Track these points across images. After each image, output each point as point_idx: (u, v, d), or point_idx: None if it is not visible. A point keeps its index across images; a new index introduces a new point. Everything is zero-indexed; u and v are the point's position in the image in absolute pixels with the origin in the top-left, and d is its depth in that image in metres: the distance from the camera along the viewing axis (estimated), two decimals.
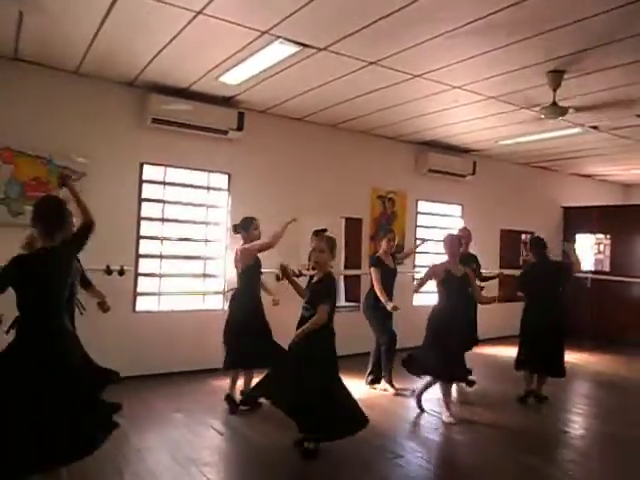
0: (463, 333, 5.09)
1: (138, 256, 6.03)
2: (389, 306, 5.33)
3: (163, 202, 6.27)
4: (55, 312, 2.99)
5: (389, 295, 5.73)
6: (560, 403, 5.72)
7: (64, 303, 3.07)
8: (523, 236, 9.78)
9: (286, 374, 3.94)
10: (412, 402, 5.56)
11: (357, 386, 5.62)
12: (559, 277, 5.52)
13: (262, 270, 5.22)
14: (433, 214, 8.80)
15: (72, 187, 3.30)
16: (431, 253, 8.29)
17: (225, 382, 5.17)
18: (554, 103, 5.13)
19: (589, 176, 11.00)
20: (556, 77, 4.90)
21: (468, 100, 5.88)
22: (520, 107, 6.04)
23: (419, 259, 8.52)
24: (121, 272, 5.51)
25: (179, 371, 5.98)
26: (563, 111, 5.21)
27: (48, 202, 3.20)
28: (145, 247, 6.13)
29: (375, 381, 5.89)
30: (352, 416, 3.94)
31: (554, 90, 5.03)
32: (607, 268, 10.08)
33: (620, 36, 4.05)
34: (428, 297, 8.33)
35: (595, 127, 6.67)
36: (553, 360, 5.40)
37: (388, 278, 5.79)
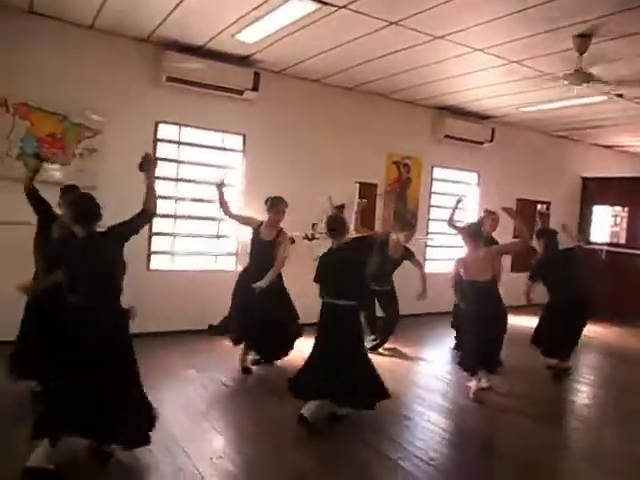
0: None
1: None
2: None
3: (178, 162, 6.26)
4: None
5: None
6: (569, 373, 5.76)
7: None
8: (538, 206, 9.64)
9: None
10: (421, 367, 5.65)
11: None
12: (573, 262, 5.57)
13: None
14: (448, 181, 8.71)
15: (150, 175, 3.35)
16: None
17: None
18: (579, 69, 4.97)
19: (610, 147, 10.76)
20: (583, 42, 4.73)
21: (490, 64, 5.72)
22: (543, 72, 5.87)
23: (432, 226, 8.48)
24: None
25: (191, 329, 6.08)
26: (588, 77, 5.04)
27: (85, 200, 3.21)
28: (159, 206, 6.12)
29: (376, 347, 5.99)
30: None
31: (580, 55, 4.87)
32: (623, 240, 9.97)
33: None
34: (435, 264, 8.38)
35: (620, 95, 6.47)
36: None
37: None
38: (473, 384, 4.78)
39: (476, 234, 4.93)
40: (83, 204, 3.16)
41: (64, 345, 3.07)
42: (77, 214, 3.10)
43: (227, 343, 5.62)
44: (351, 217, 5.29)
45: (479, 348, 4.67)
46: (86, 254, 3.07)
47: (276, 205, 4.94)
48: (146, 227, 5.74)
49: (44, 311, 3.77)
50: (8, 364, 3.95)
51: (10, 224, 4.67)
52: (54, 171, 5.28)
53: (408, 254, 5.97)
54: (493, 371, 4.82)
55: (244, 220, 5.22)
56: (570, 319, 5.40)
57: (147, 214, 3.30)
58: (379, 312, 6.12)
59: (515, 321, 6.41)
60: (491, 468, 3.56)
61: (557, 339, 5.46)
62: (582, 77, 5.02)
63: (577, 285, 5.48)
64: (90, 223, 3.11)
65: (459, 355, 5.25)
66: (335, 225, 4.05)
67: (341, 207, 5.64)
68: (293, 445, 3.61)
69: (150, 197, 3.29)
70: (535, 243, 5.59)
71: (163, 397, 4.25)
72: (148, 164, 3.32)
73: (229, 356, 5.33)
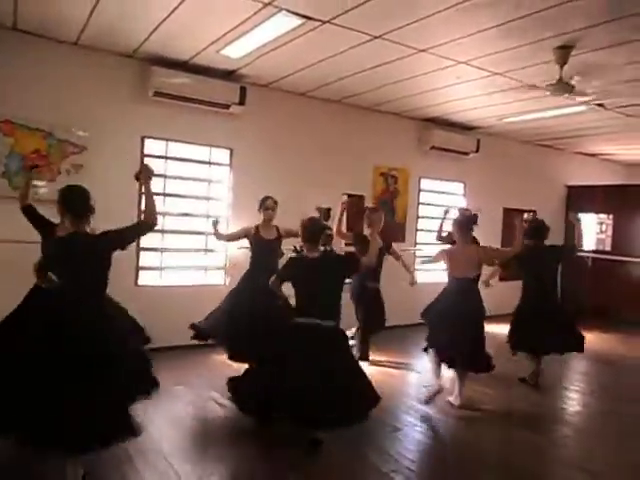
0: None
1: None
2: None
3: (165, 177, 6.24)
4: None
5: (372, 276, 5.78)
6: (558, 380, 5.79)
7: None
8: (525, 215, 9.73)
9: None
10: (410, 378, 5.64)
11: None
12: (556, 260, 5.54)
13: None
14: (436, 192, 8.77)
15: (148, 185, 3.33)
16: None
17: (224, 357, 5.20)
18: (561, 80, 5.06)
19: (594, 155, 10.92)
20: (564, 53, 4.82)
21: (474, 76, 5.80)
22: (526, 84, 5.96)
23: (420, 237, 8.54)
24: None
25: (181, 345, 6.02)
26: (569, 88, 5.13)
27: (75, 190, 3.28)
28: None
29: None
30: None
31: (561, 67, 4.96)
32: (609, 248, 10.08)
33: (630, 12, 3.97)
34: (429, 275, 8.42)
35: (601, 105, 6.59)
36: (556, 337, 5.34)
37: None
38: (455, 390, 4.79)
39: (466, 225, 4.85)
40: (72, 195, 3.21)
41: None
42: (65, 205, 3.19)
43: (216, 359, 5.59)
44: (334, 220, 5.37)
45: (461, 346, 4.61)
46: (71, 252, 3.09)
47: (263, 204, 5.21)
48: (134, 242, 5.80)
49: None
50: None
51: None
52: (40, 188, 5.23)
53: (387, 246, 5.94)
54: (488, 370, 4.75)
55: (239, 234, 5.36)
56: (549, 317, 5.28)
57: (145, 225, 3.27)
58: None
59: (496, 330, 6.48)
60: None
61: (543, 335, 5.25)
62: (564, 88, 5.11)
63: (552, 283, 5.47)
64: (80, 215, 3.14)
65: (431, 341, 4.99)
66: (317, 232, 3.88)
67: (328, 210, 5.62)
68: (284, 461, 3.57)
69: (151, 208, 3.26)
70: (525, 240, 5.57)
71: (152, 414, 4.20)
72: (146, 173, 3.35)
73: (218, 372, 5.29)
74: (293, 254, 4.00)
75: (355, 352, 5.82)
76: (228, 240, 5.52)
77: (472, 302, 4.74)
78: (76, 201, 3.18)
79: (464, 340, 4.56)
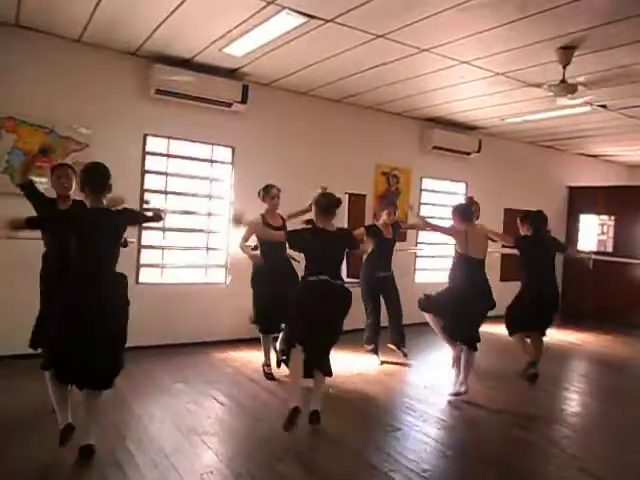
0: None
1: (141, 228, 6.04)
2: None
3: (166, 174, 6.25)
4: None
5: (385, 265, 5.90)
6: (558, 381, 5.79)
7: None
8: None
9: None
10: (410, 377, 5.64)
11: (356, 360, 5.74)
12: (554, 252, 5.56)
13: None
14: (437, 191, 8.76)
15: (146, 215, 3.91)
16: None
17: (224, 355, 5.23)
18: (563, 80, 5.05)
19: (595, 156, 10.91)
20: (567, 54, 4.82)
21: (476, 76, 5.80)
22: (528, 84, 5.95)
23: (422, 236, 8.53)
24: (124, 244, 5.50)
25: (181, 343, 6.04)
26: (572, 89, 5.13)
27: (97, 167, 3.43)
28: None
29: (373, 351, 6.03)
30: None
31: (564, 67, 4.95)
32: (610, 249, 10.07)
33: (633, 12, 3.96)
34: (430, 275, 8.43)
35: (604, 106, 6.58)
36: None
37: (383, 247, 5.84)
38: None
39: (468, 212, 5.00)
40: (96, 170, 3.38)
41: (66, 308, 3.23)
42: (86, 180, 3.32)
43: (216, 356, 5.61)
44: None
45: (466, 327, 4.84)
46: (100, 224, 3.31)
47: (268, 193, 5.25)
48: (135, 240, 5.80)
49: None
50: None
51: None
52: (41, 185, 5.23)
53: (399, 230, 6.14)
54: (474, 347, 4.91)
55: (251, 231, 5.19)
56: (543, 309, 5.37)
57: (153, 218, 3.81)
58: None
59: (496, 329, 6.50)
60: (483, 479, 3.55)
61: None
62: (566, 88, 5.11)
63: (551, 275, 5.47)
64: (99, 190, 3.32)
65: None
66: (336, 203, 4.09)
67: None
68: (283, 459, 3.56)
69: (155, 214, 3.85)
70: (520, 228, 5.56)
71: (152, 411, 4.22)
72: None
73: (218, 370, 5.31)
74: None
75: (366, 346, 5.99)
76: (247, 241, 5.27)
77: (485, 284, 4.95)
78: (98, 176, 3.35)
79: (474, 324, 4.88)
